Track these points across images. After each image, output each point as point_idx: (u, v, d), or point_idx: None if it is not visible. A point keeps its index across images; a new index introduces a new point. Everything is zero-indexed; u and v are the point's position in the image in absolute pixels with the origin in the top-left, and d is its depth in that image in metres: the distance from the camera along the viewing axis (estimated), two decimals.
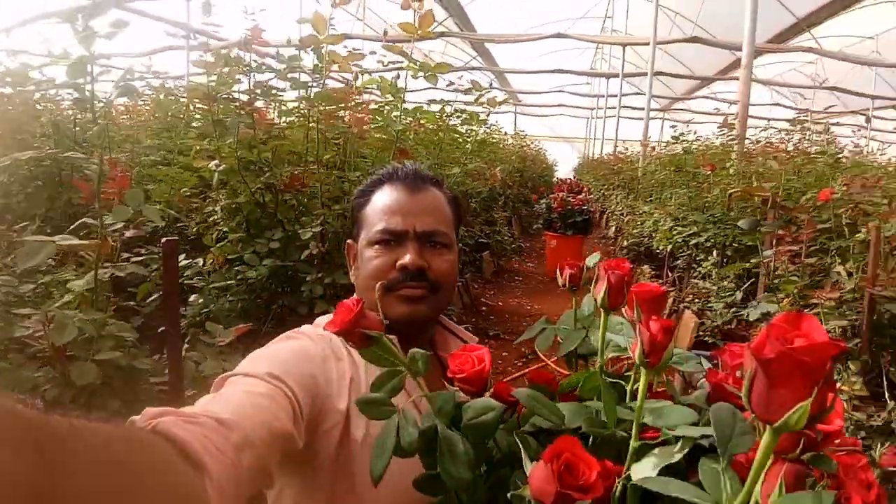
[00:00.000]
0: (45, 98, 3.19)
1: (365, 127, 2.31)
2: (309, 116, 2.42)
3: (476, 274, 5.90)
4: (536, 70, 14.28)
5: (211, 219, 2.40)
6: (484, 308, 5.42)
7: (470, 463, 0.59)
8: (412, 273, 0.93)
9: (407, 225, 0.95)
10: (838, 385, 1.80)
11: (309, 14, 2.22)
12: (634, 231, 5.83)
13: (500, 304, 5.74)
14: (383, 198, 0.99)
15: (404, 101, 2.51)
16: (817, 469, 0.55)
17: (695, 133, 5.88)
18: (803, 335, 0.34)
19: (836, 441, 0.54)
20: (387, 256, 0.95)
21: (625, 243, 6.30)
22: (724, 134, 4.74)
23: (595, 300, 0.68)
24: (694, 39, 10.04)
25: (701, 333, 3.25)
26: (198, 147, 2.30)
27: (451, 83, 3.22)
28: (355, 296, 1.03)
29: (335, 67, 2.16)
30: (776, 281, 2.56)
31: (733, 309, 3.11)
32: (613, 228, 8.61)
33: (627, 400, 0.72)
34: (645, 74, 9.39)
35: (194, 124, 3.79)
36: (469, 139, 3.95)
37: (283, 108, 2.59)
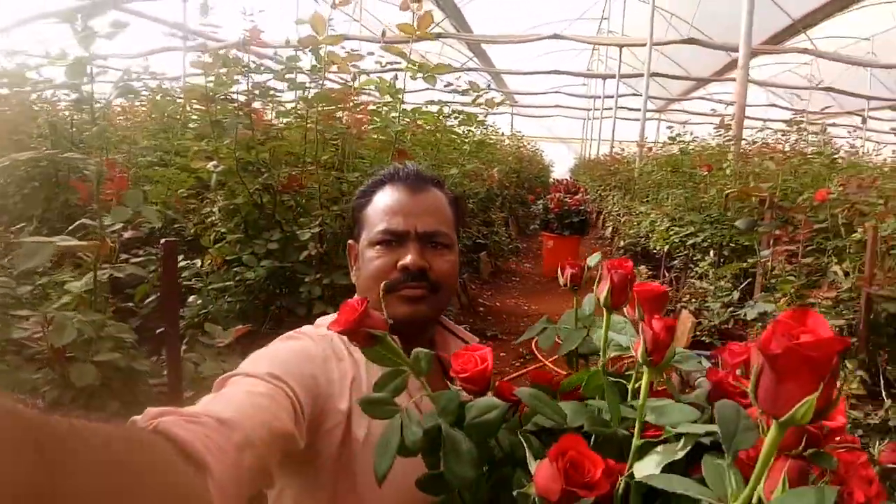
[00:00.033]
0: (41, 99, 3.18)
1: (364, 128, 2.31)
2: (307, 117, 2.42)
3: (473, 274, 5.90)
4: (533, 71, 14.29)
5: (209, 220, 2.40)
6: (481, 308, 5.43)
7: (474, 462, 0.59)
8: (413, 273, 0.94)
9: (408, 225, 0.95)
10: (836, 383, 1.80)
11: (305, 15, 2.23)
12: (631, 231, 5.84)
13: (498, 304, 5.75)
14: (384, 198, 0.99)
15: (403, 102, 2.51)
16: (817, 466, 0.56)
17: (691, 134, 5.90)
18: (809, 331, 0.34)
19: (837, 438, 0.54)
20: (388, 257, 0.95)
21: (621, 243, 6.31)
22: (720, 134, 4.75)
23: (598, 299, 0.69)
24: (690, 41, 10.06)
25: (698, 333, 3.26)
26: (196, 148, 2.29)
27: (449, 84, 3.22)
28: (356, 296, 1.03)
29: (334, 68, 2.15)
30: (773, 281, 2.57)
31: (730, 308, 3.12)
32: (610, 229, 8.62)
33: (629, 399, 0.73)
34: (641, 75, 9.42)
35: (191, 125, 3.79)
36: (467, 140, 3.95)
37: (281, 108, 2.59)
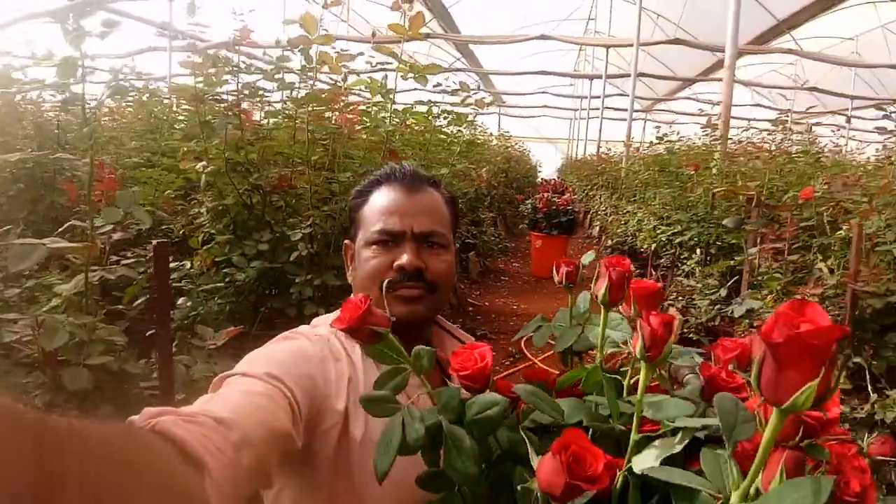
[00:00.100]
0: (27, 100, 3.15)
1: (355, 127, 2.31)
2: (296, 117, 2.41)
3: (462, 274, 5.91)
4: (520, 71, 14.34)
5: (197, 221, 2.38)
6: (471, 308, 5.44)
7: (476, 458, 0.59)
8: (409, 273, 0.94)
9: (404, 225, 0.96)
10: None
11: (292, 15, 2.22)
12: (619, 230, 5.88)
13: (487, 303, 5.76)
14: (381, 198, 0.99)
15: (395, 102, 2.51)
16: (811, 457, 0.57)
17: (678, 134, 5.95)
18: (808, 320, 0.35)
19: (833, 429, 0.55)
20: (384, 257, 0.95)
21: (609, 242, 6.35)
22: (707, 134, 4.80)
23: (596, 297, 0.69)
24: (676, 41, 10.15)
25: (685, 330, 3.29)
26: (185, 148, 2.28)
27: (438, 84, 3.22)
28: (351, 296, 1.03)
29: (325, 69, 2.15)
30: (760, 278, 2.61)
31: (717, 306, 3.16)
32: (597, 228, 8.68)
33: (625, 394, 0.74)
34: (628, 76, 9.47)
35: (178, 126, 3.76)
36: (457, 140, 3.96)
37: (271, 108, 2.58)
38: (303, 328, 0.97)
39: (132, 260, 1.71)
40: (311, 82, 2.32)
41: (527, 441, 0.59)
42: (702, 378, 0.75)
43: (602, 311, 0.73)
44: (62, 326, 1.11)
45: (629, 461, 0.61)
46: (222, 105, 2.25)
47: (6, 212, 2.53)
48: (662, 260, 4.85)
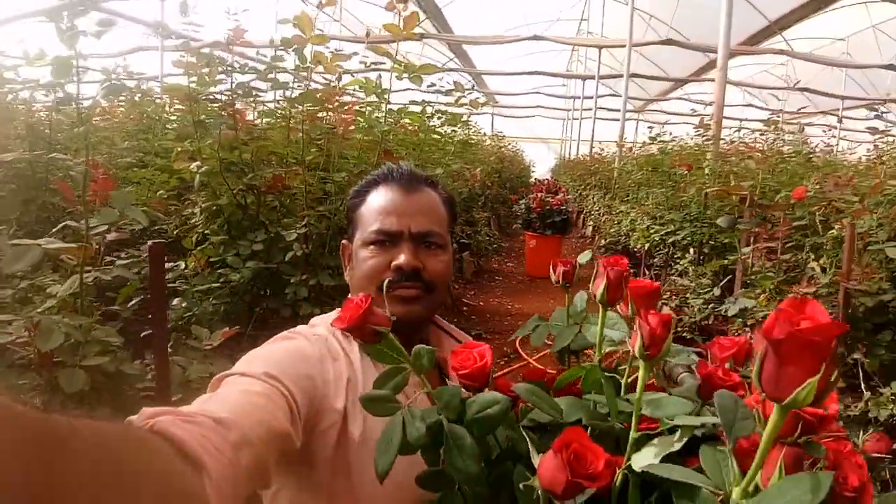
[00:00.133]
0: (18, 100, 3.12)
1: (350, 127, 2.31)
2: (290, 117, 2.41)
3: (457, 274, 5.92)
4: (513, 72, 14.35)
5: (191, 221, 2.38)
6: (465, 308, 5.44)
7: (477, 457, 0.60)
8: (407, 273, 0.94)
9: (402, 225, 0.96)
10: None
11: (284, 15, 2.22)
12: (612, 230, 5.90)
13: (481, 303, 5.77)
14: (378, 198, 0.99)
15: (389, 102, 2.51)
16: (808, 454, 0.57)
17: (670, 134, 5.98)
18: (808, 317, 0.36)
19: (830, 426, 0.56)
20: (382, 257, 0.96)
21: (602, 242, 6.38)
22: (700, 134, 4.82)
23: (594, 296, 0.70)
24: (669, 42, 10.19)
25: (679, 329, 3.31)
26: (179, 148, 2.27)
27: (433, 84, 3.23)
28: (350, 296, 1.03)
29: (320, 68, 2.15)
30: (753, 277, 2.62)
31: (711, 305, 3.18)
32: (591, 228, 8.70)
33: (622, 393, 0.74)
34: (620, 76, 9.51)
35: (170, 126, 3.74)
36: (451, 140, 3.96)
37: (265, 108, 2.58)
38: (301, 328, 0.97)
39: (128, 260, 1.70)
40: (305, 82, 2.31)
41: (528, 440, 0.59)
42: (698, 376, 0.75)
43: (600, 310, 0.73)
44: (58, 328, 1.10)
45: (628, 459, 0.62)
46: (216, 105, 2.25)
47: None
48: (656, 259, 4.87)
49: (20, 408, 0.29)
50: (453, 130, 4.06)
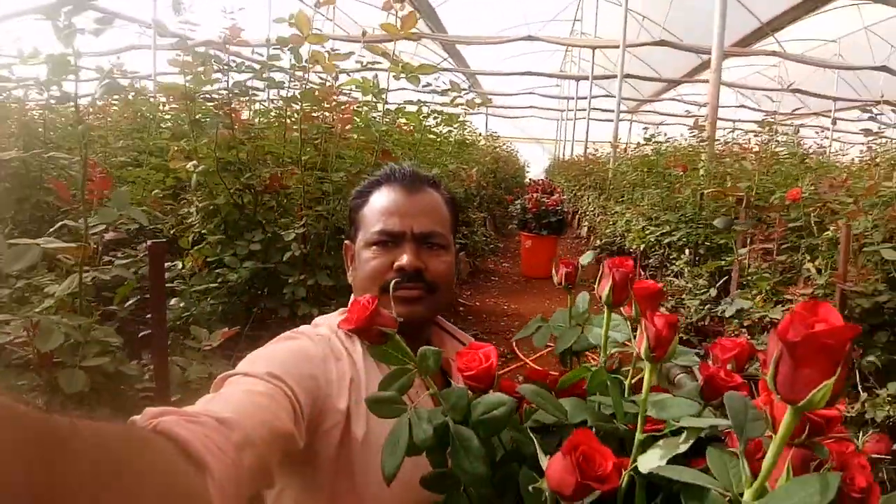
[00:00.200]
0: (12, 98, 3.10)
1: (347, 127, 2.31)
2: (287, 116, 2.40)
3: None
4: (507, 72, 14.37)
5: (187, 221, 2.37)
6: (461, 308, 5.44)
7: (484, 458, 0.60)
8: (409, 274, 0.94)
9: (404, 226, 0.96)
10: None
11: (278, 14, 2.21)
12: (607, 231, 5.92)
13: (478, 304, 5.77)
14: (381, 199, 0.99)
15: (386, 102, 2.51)
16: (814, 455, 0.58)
17: (665, 135, 6.00)
18: (822, 320, 0.36)
19: (836, 428, 0.56)
20: (384, 257, 0.96)
21: (598, 243, 6.39)
22: (694, 135, 4.84)
23: (599, 297, 0.70)
24: (662, 43, 10.23)
25: None
26: (174, 148, 2.26)
27: (428, 84, 3.23)
28: (353, 296, 1.03)
29: (317, 68, 2.14)
30: (749, 278, 2.64)
31: (707, 306, 3.19)
32: (586, 228, 8.73)
33: (626, 394, 0.74)
34: (614, 77, 9.54)
35: (164, 125, 3.73)
36: (448, 140, 3.96)
37: (261, 107, 2.57)
38: (304, 328, 0.96)
39: (126, 260, 1.69)
40: (302, 82, 2.31)
41: (535, 441, 0.59)
42: (701, 377, 0.75)
43: (605, 311, 0.73)
44: (57, 328, 1.09)
45: (634, 460, 0.62)
46: (213, 103, 2.24)
47: None
48: (651, 260, 4.88)
49: (22, 408, 0.29)
50: (449, 131, 4.06)
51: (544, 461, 0.56)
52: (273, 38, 2.19)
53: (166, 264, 2.12)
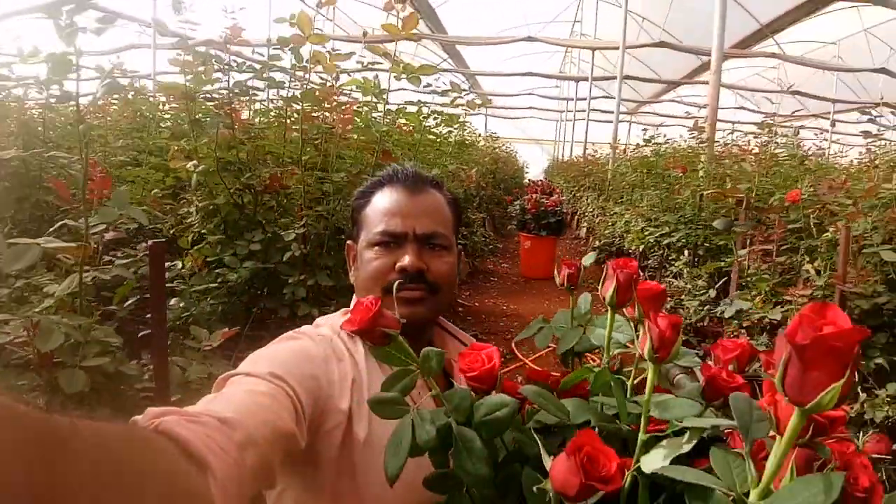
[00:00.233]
0: (11, 97, 3.10)
1: (348, 127, 2.31)
2: (287, 116, 2.40)
3: None
4: (507, 73, 14.38)
5: (187, 220, 2.36)
6: (461, 309, 5.44)
7: (487, 459, 0.60)
8: (411, 275, 0.94)
9: (406, 227, 0.96)
10: None
11: (278, 13, 2.21)
12: (606, 231, 5.92)
13: (477, 304, 5.76)
14: (383, 200, 0.99)
15: (387, 103, 2.51)
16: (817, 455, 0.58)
17: (664, 136, 6.01)
18: (830, 322, 0.36)
19: (838, 428, 0.56)
20: (386, 258, 0.96)
21: (596, 243, 6.40)
22: (694, 137, 4.85)
23: (603, 298, 0.70)
24: (662, 44, 10.25)
25: None
26: (175, 147, 2.26)
27: (428, 85, 3.23)
28: (355, 297, 1.03)
29: (318, 68, 2.14)
30: (748, 279, 2.64)
31: (706, 307, 3.19)
32: (585, 229, 8.73)
33: (628, 395, 0.74)
34: (613, 78, 9.55)
35: (163, 124, 3.73)
36: (449, 141, 3.96)
37: (262, 107, 2.57)
38: (306, 328, 0.96)
39: (127, 260, 1.69)
40: (303, 82, 2.31)
41: (539, 442, 0.59)
42: (702, 378, 0.75)
43: (609, 312, 0.73)
44: (58, 328, 1.09)
45: (637, 461, 0.62)
46: (213, 103, 2.24)
47: None
48: (650, 261, 4.89)
49: (22, 408, 0.29)
50: (449, 131, 4.06)
51: (548, 462, 0.56)
52: (273, 38, 2.19)
53: (166, 264, 2.12)
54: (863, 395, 1.77)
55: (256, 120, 2.67)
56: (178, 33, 2.41)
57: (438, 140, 3.79)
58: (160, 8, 8.13)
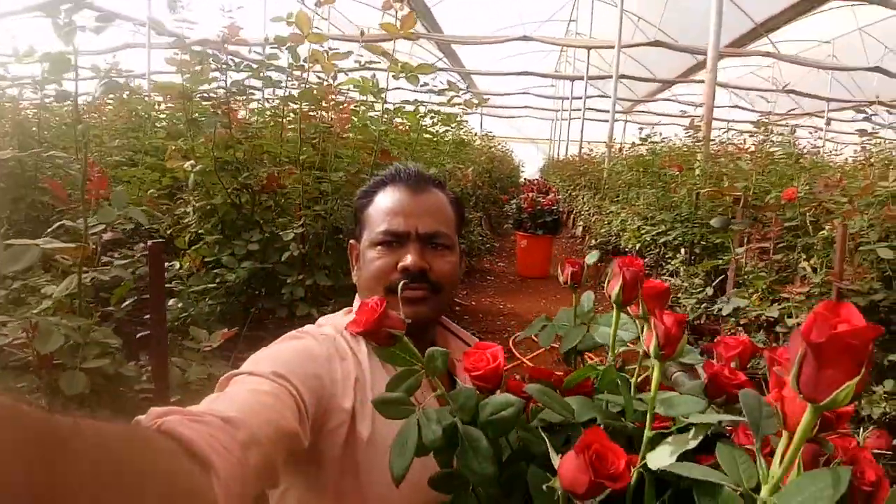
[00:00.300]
0: (6, 97, 3.08)
1: (346, 126, 2.30)
2: (283, 115, 2.39)
3: None
4: (503, 72, 14.39)
5: (184, 221, 2.36)
6: (458, 308, 5.44)
7: (492, 458, 0.60)
8: (413, 274, 0.94)
9: (409, 226, 0.96)
10: None
11: (273, 12, 2.21)
12: (602, 230, 5.94)
13: (473, 303, 5.77)
14: (386, 199, 0.99)
15: (385, 102, 2.50)
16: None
17: (660, 135, 6.02)
18: (844, 320, 0.36)
19: (844, 424, 0.57)
20: (389, 258, 0.96)
21: (593, 242, 6.41)
22: (690, 136, 4.86)
23: (609, 296, 0.70)
24: (657, 43, 10.27)
25: None
26: (172, 147, 2.25)
27: (425, 84, 3.22)
28: (357, 296, 1.03)
29: (316, 67, 2.14)
30: (745, 277, 2.65)
31: (703, 304, 3.21)
32: (581, 228, 8.75)
33: (633, 392, 0.74)
34: (609, 77, 9.57)
35: (159, 124, 3.71)
36: (446, 140, 3.96)
37: (259, 106, 2.56)
38: (309, 327, 0.96)
39: (125, 261, 1.69)
40: (300, 81, 2.30)
41: (546, 441, 0.59)
42: (705, 375, 0.76)
43: (614, 310, 0.73)
44: (57, 329, 1.09)
45: (643, 458, 0.62)
46: (210, 102, 2.23)
47: None
48: (647, 259, 4.90)
49: (23, 407, 0.29)
50: (446, 130, 4.06)
51: (556, 460, 0.56)
52: (270, 38, 2.18)
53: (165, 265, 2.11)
54: None
55: (254, 119, 2.66)
56: (175, 32, 2.41)
57: (435, 139, 3.79)
58: (154, 7, 8.10)
